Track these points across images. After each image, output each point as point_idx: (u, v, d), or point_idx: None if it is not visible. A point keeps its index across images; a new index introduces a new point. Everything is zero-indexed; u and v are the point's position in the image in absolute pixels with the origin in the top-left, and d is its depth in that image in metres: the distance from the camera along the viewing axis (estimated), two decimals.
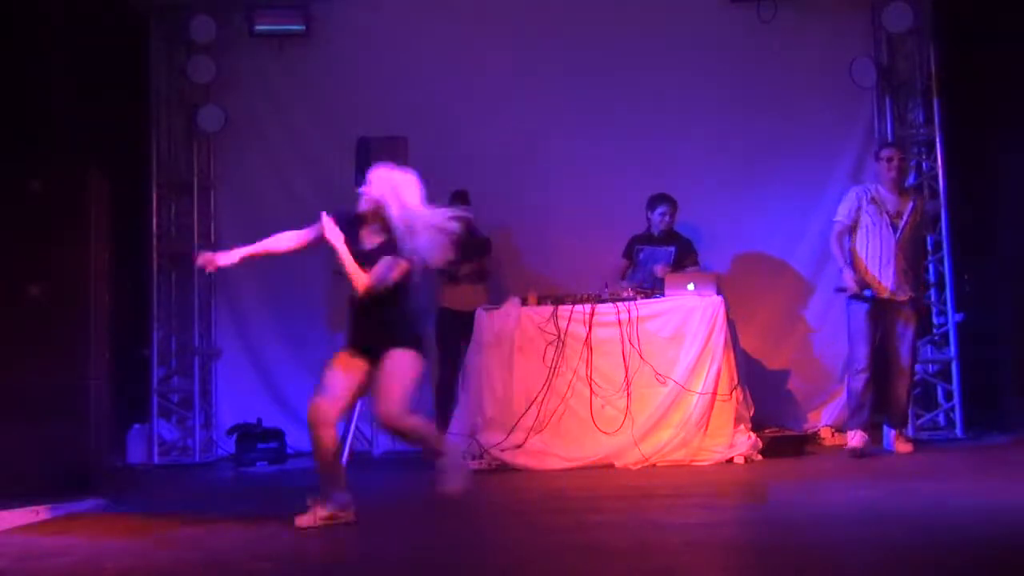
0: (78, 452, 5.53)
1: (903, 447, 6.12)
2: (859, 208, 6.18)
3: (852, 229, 6.18)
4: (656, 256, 6.69)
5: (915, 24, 7.05)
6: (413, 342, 4.31)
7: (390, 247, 4.28)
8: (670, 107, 7.36)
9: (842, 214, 6.21)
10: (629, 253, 6.88)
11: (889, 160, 6.18)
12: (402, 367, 4.24)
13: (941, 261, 7.08)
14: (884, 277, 6.09)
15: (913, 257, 6.23)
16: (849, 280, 6.12)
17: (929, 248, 7.19)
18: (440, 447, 4.34)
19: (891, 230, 6.12)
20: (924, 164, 7.28)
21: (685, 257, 6.78)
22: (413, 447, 4.57)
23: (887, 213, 6.14)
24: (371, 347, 4.28)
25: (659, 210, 6.83)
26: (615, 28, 7.42)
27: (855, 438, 6.10)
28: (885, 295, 6.08)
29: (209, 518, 4.74)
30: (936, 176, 7.13)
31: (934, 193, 7.15)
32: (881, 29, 7.24)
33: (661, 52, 7.40)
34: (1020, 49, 6.53)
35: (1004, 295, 7.00)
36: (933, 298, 7.18)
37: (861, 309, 6.11)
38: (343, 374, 4.28)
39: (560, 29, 7.45)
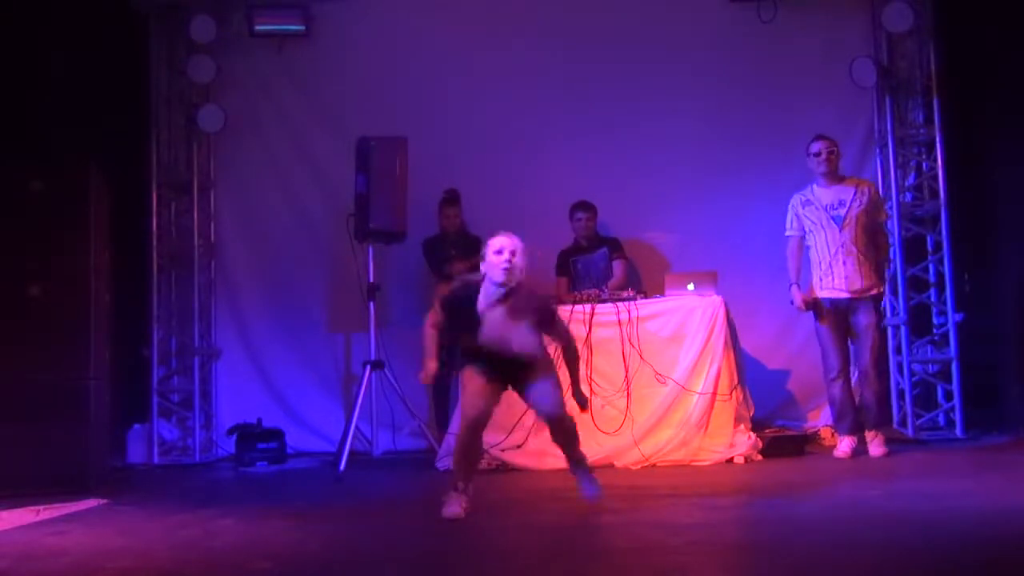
0: (78, 452, 5.53)
1: (874, 449, 5.99)
2: (797, 216, 6.20)
3: (803, 239, 6.20)
4: (592, 263, 6.72)
5: (915, 24, 7.04)
6: (549, 363, 4.76)
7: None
8: (670, 107, 7.35)
9: (787, 227, 6.26)
10: (564, 269, 6.92)
11: (818, 155, 6.14)
12: (552, 383, 4.67)
13: (941, 261, 7.08)
14: (834, 275, 6.05)
15: (866, 246, 6.06)
16: (796, 299, 6.18)
17: (929, 248, 7.19)
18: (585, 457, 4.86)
19: (832, 223, 6.07)
20: (924, 164, 7.28)
21: (613, 253, 6.85)
22: (564, 447, 4.81)
23: (822, 208, 6.10)
24: (509, 373, 4.65)
25: (576, 216, 6.91)
26: (615, 28, 7.42)
27: (843, 444, 6.10)
28: (842, 295, 6.04)
29: (209, 518, 4.74)
30: (936, 176, 7.13)
31: (934, 193, 7.15)
32: (881, 29, 7.23)
33: (661, 52, 7.39)
34: (1020, 49, 6.54)
35: (1004, 295, 7.00)
36: (933, 298, 7.17)
37: (824, 316, 6.12)
38: (487, 389, 4.61)
39: (559, 29, 7.44)
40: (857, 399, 6.18)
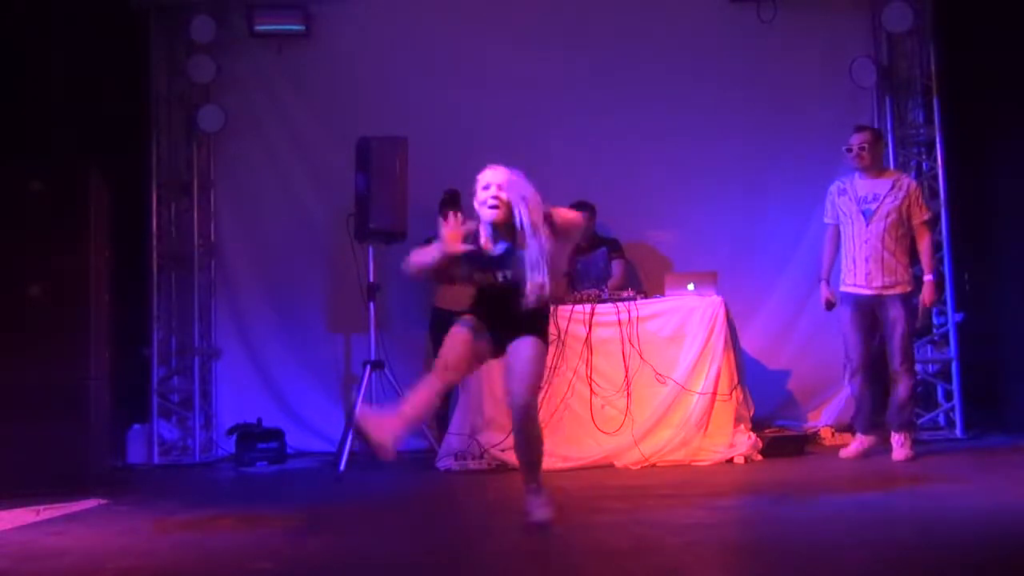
0: (78, 452, 5.53)
1: (897, 452, 5.86)
2: (832, 204, 6.10)
3: (839, 228, 6.09)
4: (592, 263, 6.72)
5: (915, 24, 7.05)
6: (543, 333, 4.23)
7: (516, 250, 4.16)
8: (670, 107, 7.35)
9: (825, 215, 6.19)
10: None
11: (849, 150, 6.04)
12: (537, 352, 4.14)
13: (941, 261, 7.06)
14: (857, 271, 5.96)
15: (895, 243, 5.90)
16: (822, 295, 6.14)
17: None
18: (540, 475, 4.24)
19: (860, 217, 5.95)
20: (924, 164, 7.28)
21: (612, 253, 6.87)
22: (523, 456, 4.25)
23: (855, 200, 5.98)
24: (501, 334, 4.18)
25: None
26: (615, 28, 7.42)
27: (852, 443, 6.07)
28: (864, 291, 5.95)
29: (209, 518, 4.75)
30: (936, 176, 7.12)
31: (934, 193, 7.14)
32: (881, 29, 7.23)
33: (661, 52, 7.39)
34: (1020, 49, 6.54)
35: (1004, 295, 7.00)
36: None
37: (846, 311, 6.03)
38: (470, 342, 4.15)
39: (560, 29, 7.44)
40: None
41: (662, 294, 6.36)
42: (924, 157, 7.29)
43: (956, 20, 7.00)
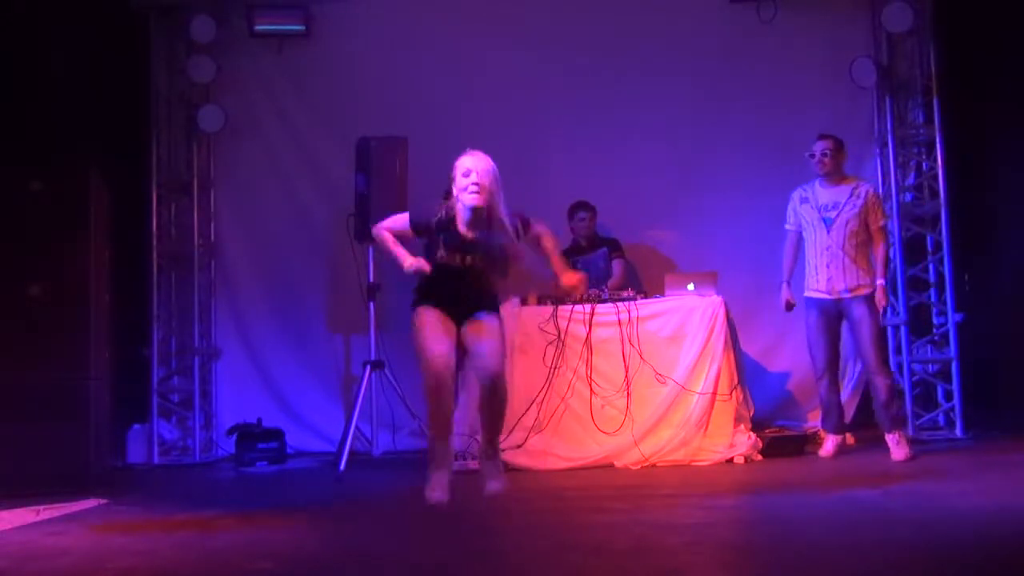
0: (78, 452, 5.53)
1: (895, 452, 5.85)
2: (795, 211, 6.19)
3: (801, 234, 6.18)
4: (592, 263, 6.72)
5: (915, 24, 7.05)
6: (498, 310, 4.64)
7: (493, 236, 4.44)
8: (669, 107, 7.36)
9: (786, 221, 6.26)
10: None
11: (812, 156, 6.12)
12: (499, 325, 4.55)
13: (941, 261, 7.08)
14: (819, 277, 6.04)
15: (855, 250, 5.98)
16: (782, 297, 6.20)
17: (929, 248, 7.19)
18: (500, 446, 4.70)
19: (821, 224, 6.03)
20: (924, 164, 7.29)
21: (613, 253, 6.91)
22: (490, 420, 4.58)
23: (816, 208, 6.07)
24: (462, 311, 4.48)
25: (578, 216, 6.93)
26: (615, 28, 7.43)
27: (827, 443, 6.13)
28: (825, 296, 6.02)
29: (209, 518, 4.74)
30: (936, 176, 7.13)
31: (934, 193, 7.15)
32: (881, 29, 7.23)
33: (661, 52, 7.40)
34: (1020, 49, 6.54)
35: (1004, 295, 7.00)
36: (933, 298, 7.17)
37: (811, 315, 6.10)
38: (445, 335, 4.44)
39: (560, 29, 7.45)
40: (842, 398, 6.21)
41: (662, 294, 6.36)
42: (924, 157, 7.29)
43: (956, 20, 7.00)
